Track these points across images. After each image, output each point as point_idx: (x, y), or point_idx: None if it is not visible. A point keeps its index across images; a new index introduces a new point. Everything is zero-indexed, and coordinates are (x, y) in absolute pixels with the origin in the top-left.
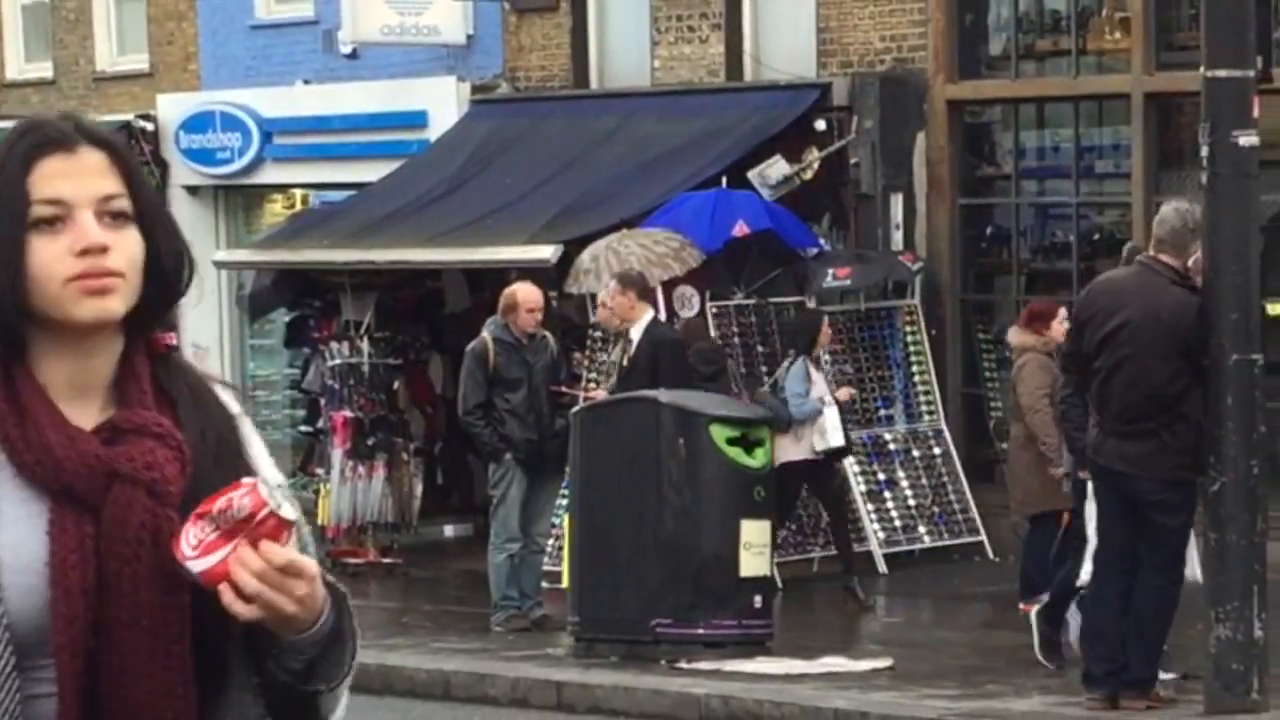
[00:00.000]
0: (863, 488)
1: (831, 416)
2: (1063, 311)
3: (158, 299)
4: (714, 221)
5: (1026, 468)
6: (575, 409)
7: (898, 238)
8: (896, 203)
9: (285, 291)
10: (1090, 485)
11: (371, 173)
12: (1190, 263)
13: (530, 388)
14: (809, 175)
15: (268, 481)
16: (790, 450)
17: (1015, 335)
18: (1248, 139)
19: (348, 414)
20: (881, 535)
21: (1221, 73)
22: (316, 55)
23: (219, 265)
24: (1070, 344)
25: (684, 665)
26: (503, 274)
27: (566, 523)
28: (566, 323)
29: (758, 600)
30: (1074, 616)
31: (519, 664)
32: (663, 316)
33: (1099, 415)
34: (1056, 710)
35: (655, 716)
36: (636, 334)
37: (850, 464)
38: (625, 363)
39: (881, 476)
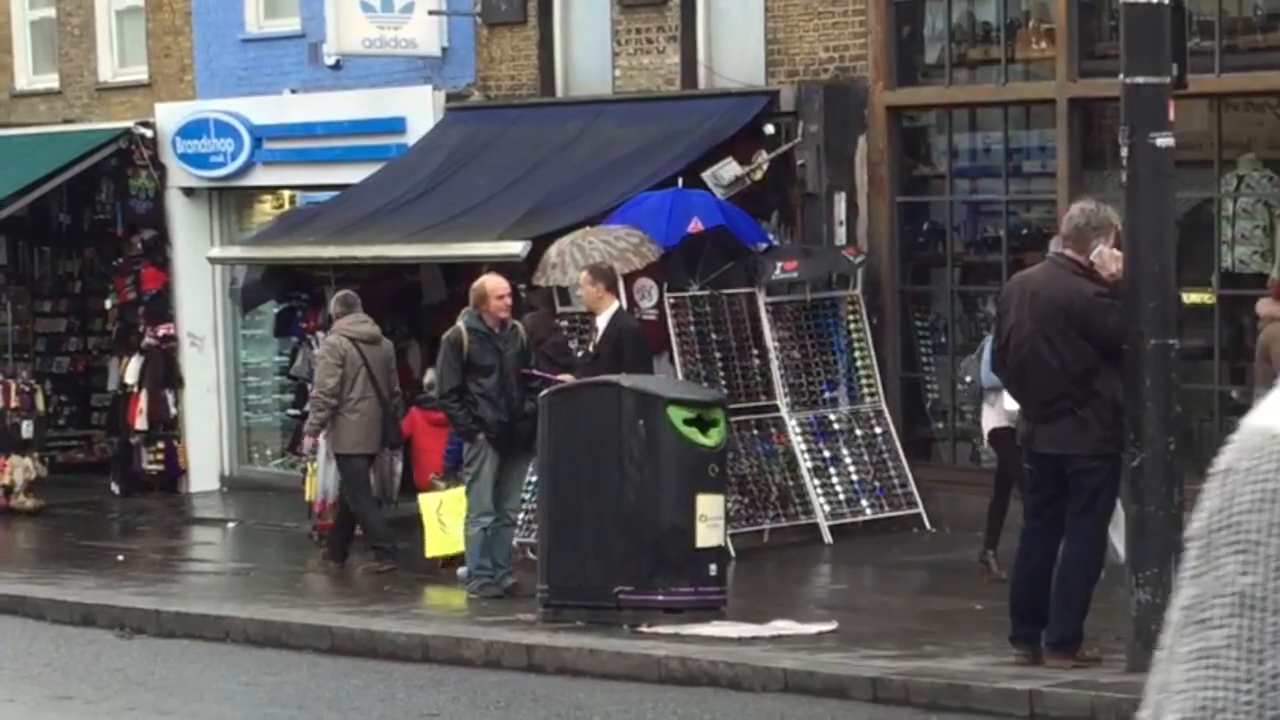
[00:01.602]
0: (809, 464)
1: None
2: None
3: None
4: (671, 219)
5: None
6: (544, 392)
7: (841, 233)
8: (840, 201)
9: (274, 285)
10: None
11: (354, 175)
12: (1093, 256)
13: (502, 373)
14: (759, 176)
15: None
16: (991, 419)
17: (1265, 306)
18: (1164, 140)
19: None
20: (827, 508)
21: (1139, 79)
22: (303, 66)
23: (213, 261)
24: (995, 340)
25: (645, 629)
26: (476, 268)
27: None
28: (534, 322)
29: (713, 569)
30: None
31: (492, 628)
32: (625, 306)
33: (1022, 405)
34: (989, 669)
35: (618, 677)
36: (602, 323)
37: (797, 442)
38: (591, 349)
39: (826, 454)
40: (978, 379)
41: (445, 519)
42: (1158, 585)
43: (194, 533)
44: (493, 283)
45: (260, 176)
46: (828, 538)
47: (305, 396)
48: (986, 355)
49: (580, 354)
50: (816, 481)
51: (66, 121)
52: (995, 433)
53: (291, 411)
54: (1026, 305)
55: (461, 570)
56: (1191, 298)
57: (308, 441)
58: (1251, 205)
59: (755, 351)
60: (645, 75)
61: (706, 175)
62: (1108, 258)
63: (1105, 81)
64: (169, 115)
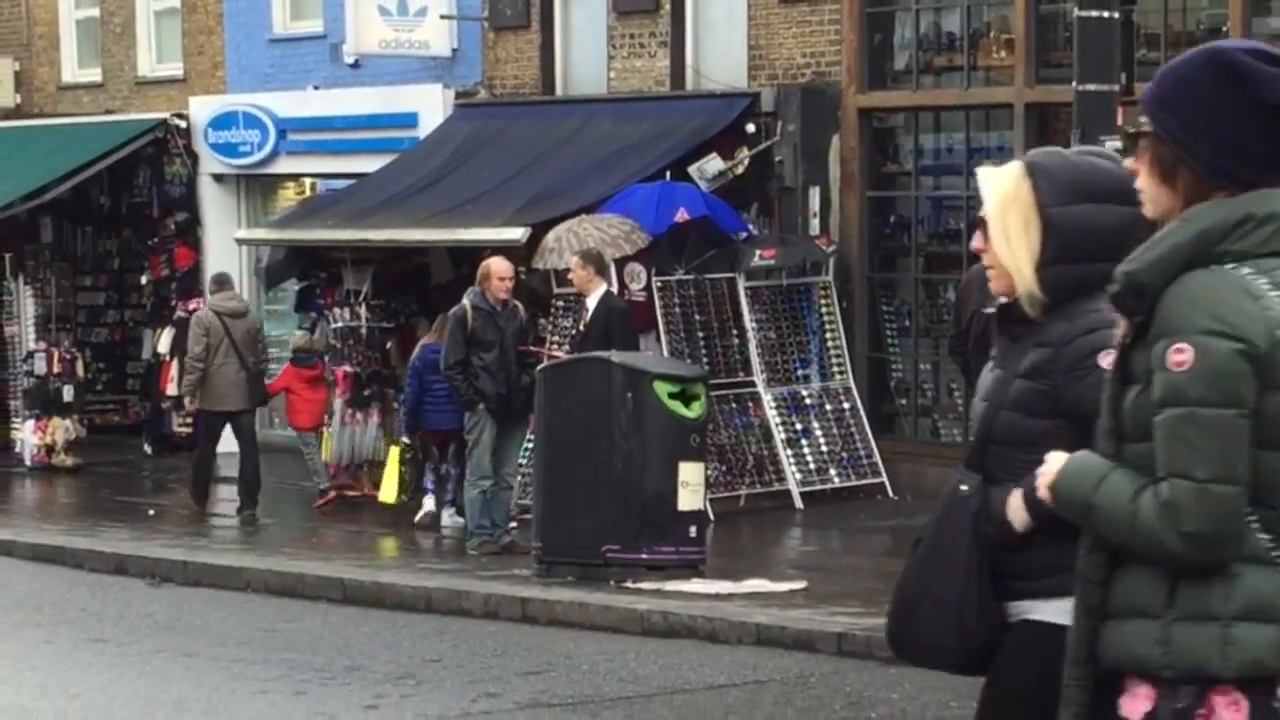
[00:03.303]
0: (782, 436)
1: None
2: None
3: None
4: (659, 209)
5: None
6: (540, 367)
7: (815, 224)
8: (814, 195)
9: (296, 264)
10: None
11: (370, 165)
12: None
13: (502, 348)
14: (740, 171)
15: None
16: None
17: None
18: (1113, 143)
19: (348, 369)
20: (798, 476)
21: (1091, 87)
22: (324, 65)
23: (240, 242)
24: (955, 326)
25: (630, 585)
26: (480, 251)
27: None
28: (533, 293)
29: (693, 530)
30: None
31: (490, 582)
32: (615, 289)
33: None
34: None
35: (605, 628)
36: (592, 303)
37: (772, 415)
38: (582, 328)
39: (799, 426)
40: None
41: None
42: None
43: (219, 490)
44: (498, 265)
45: (284, 165)
46: (799, 504)
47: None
48: None
49: (573, 332)
50: (789, 452)
51: (108, 112)
52: None
53: None
54: (987, 292)
55: (420, 515)
56: None
57: (187, 402)
58: None
59: (735, 332)
60: (638, 77)
61: (692, 169)
62: None
63: (1059, 88)
64: (201, 108)
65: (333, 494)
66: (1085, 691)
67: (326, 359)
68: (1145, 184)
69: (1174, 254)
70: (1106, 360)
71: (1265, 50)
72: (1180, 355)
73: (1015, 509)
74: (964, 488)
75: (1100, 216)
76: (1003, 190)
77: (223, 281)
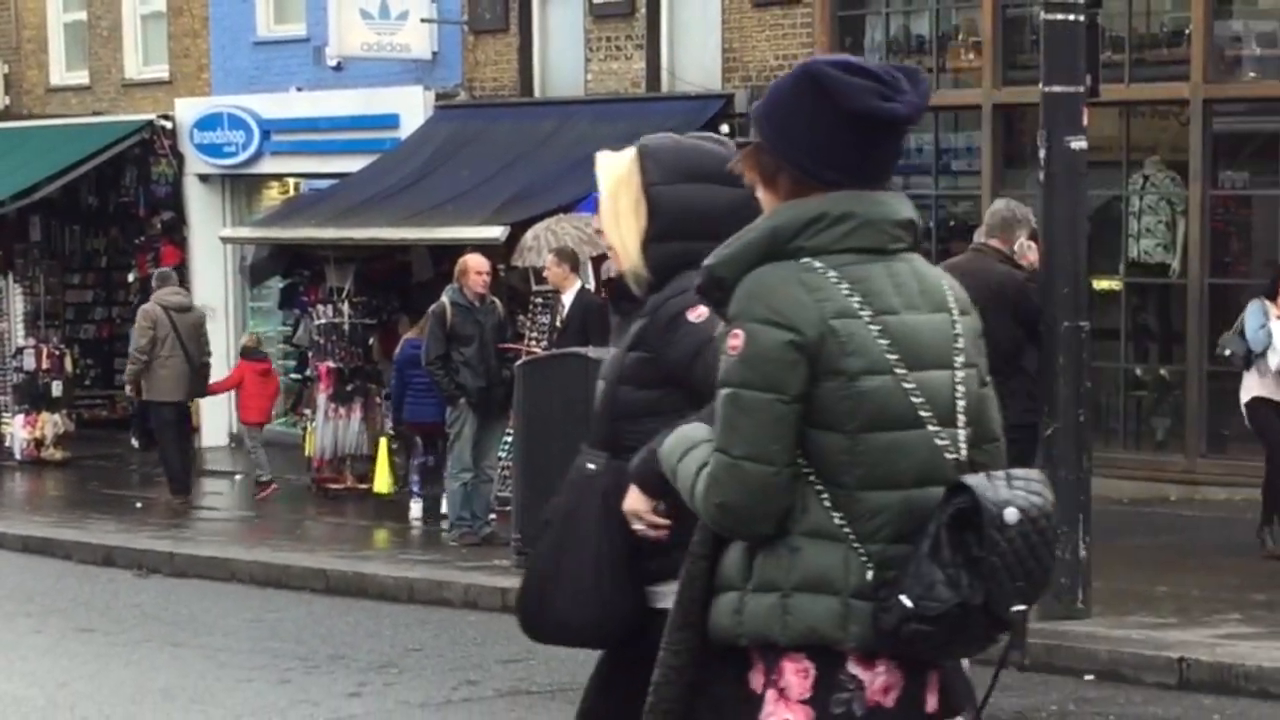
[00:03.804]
0: None
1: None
2: None
3: None
4: None
5: None
6: (518, 362)
7: None
8: None
9: (280, 262)
10: None
11: (352, 165)
12: (1016, 246)
13: (481, 343)
14: None
15: None
16: (1254, 387)
17: None
18: (1078, 143)
19: (331, 364)
20: None
21: (1057, 88)
22: (308, 67)
23: (225, 240)
24: None
25: None
26: (460, 249)
27: None
28: (512, 290)
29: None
30: None
31: (471, 573)
32: (591, 286)
33: None
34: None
35: None
36: (569, 300)
37: None
38: (559, 324)
39: None
40: (1238, 351)
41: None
42: (1067, 542)
43: (205, 484)
44: (474, 260)
45: (268, 165)
46: None
47: (306, 362)
48: (1249, 326)
49: (549, 329)
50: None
51: (95, 114)
52: (1253, 403)
53: (294, 376)
54: None
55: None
56: (1101, 285)
57: (128, 389)
58: (1156, 202)
59: None
60: (614, 79)
61: None
62: (1027, 249)
63: (1026, 90)
64: (187, 109)
65: (272, 486)
66: (679, 657)
67: (310, 354)
68: (757, 189)
69: (749, 249)
70: (694, 314)
71: (855, 64)
72: (734, 340)
73: (631, 498)
74: (591, 466)
75: (704, 197)
76: (615, 173)
77: (166, 278)
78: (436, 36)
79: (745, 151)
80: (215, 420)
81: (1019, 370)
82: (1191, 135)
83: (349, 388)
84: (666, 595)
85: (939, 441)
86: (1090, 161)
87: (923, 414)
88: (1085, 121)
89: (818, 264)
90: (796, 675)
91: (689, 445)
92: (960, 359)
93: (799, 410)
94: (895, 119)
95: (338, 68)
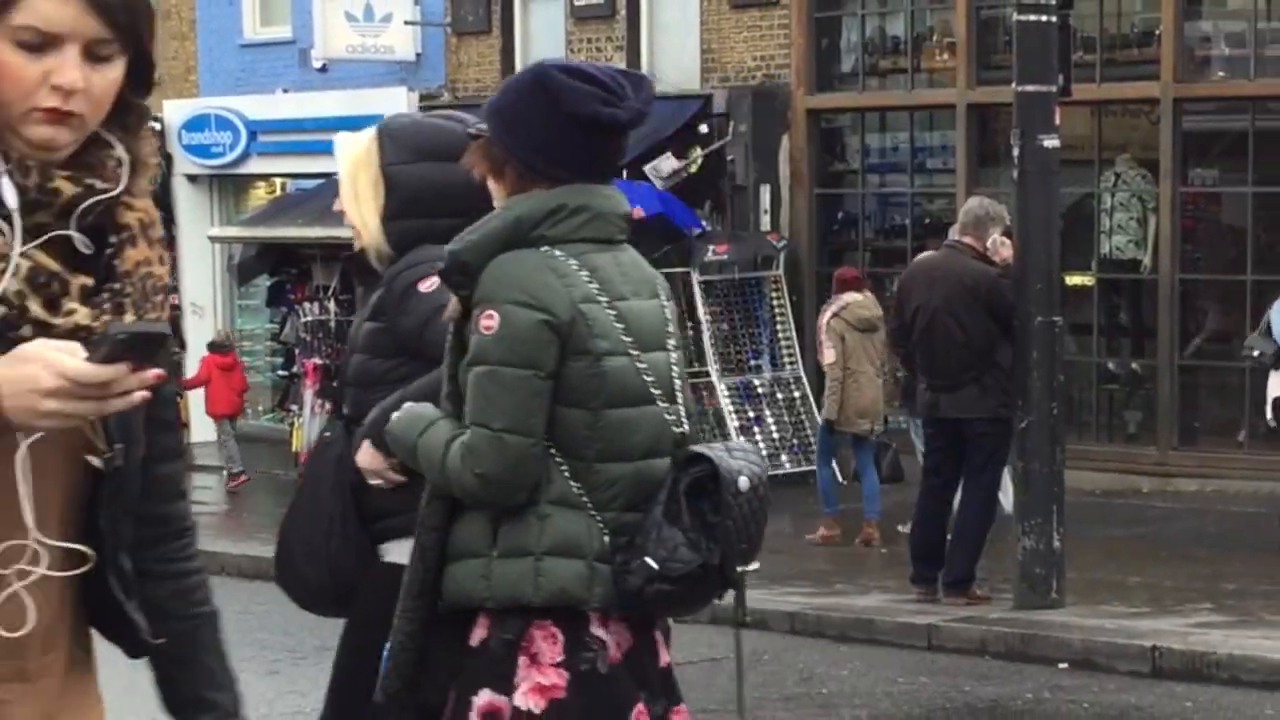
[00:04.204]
0: (735, 423)
1: None
2: None
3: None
4: None
5: None
6: None
7: (766, 221)
8: (765, 192)
9: (267, 261)
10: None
11: (337, 165)
12: (989, 243)
13: None
14: (694, 169)
15: None
16: (1277, 385)
17: None
18: (1051, 142)
19: (317, 361)
20: None
21: (1030, 88)
22: (294, 69)
23: (213, 239)
24: (895, 319)
25: None
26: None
27: None
28: None
29: None
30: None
31: None
32: None
33: (926, 377)
34: (892, 605)
35: None
36: None
37: (725, 403)
38: None
39: (751, 414)
40: (1266, 350)
41: None
42: (1041, 534)
43: (194, 478)
44: None
45: (255, 166)
46: None
47: (293, 359)
48: (1275, 325)
49: None
50: (742, 438)
51: None
52: None
53: (281, 372)
54: (932, 286)
55: None
56: (1073, 280)
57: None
58: (1127, 200)
59: (689, 324)
60: None
61: (648, 168)
62: (1000, 245)
63: (1000, 89)
64: (175, 111)
65: (243, 477)
66: (413, 624)
67: (297, 351)
68: (487, 180)
69: (492, 237)
70: (425, 285)
71: (583, 69)
72: (489, 321)
73: (365, 455)
74: (327, 434)
75: (441, 174)
76: (354, 154)
77: None
78: (420, 38)
79: (475, 145)
80: (203, 416)
81: (993, 365)
82: (1162, 134)
83: (335, 383)
84: (392, 551)
85: (667, 417)
86: (1063, 160)
87: (653, 391)
88: (1058, 120)
89: (558, 252)
90: (546, 641)
91: (425, 423)
92: (672, 341)
93: (551, 387)
94: (615, 124)
95: (323, 69)
